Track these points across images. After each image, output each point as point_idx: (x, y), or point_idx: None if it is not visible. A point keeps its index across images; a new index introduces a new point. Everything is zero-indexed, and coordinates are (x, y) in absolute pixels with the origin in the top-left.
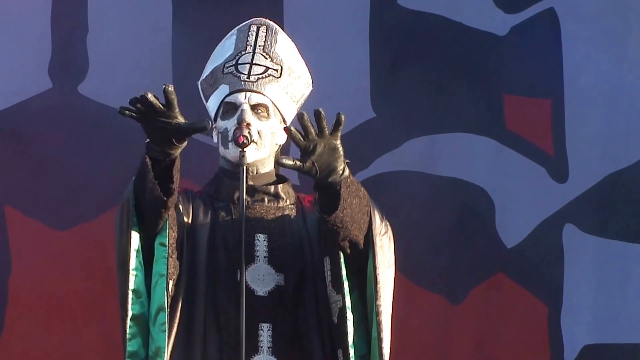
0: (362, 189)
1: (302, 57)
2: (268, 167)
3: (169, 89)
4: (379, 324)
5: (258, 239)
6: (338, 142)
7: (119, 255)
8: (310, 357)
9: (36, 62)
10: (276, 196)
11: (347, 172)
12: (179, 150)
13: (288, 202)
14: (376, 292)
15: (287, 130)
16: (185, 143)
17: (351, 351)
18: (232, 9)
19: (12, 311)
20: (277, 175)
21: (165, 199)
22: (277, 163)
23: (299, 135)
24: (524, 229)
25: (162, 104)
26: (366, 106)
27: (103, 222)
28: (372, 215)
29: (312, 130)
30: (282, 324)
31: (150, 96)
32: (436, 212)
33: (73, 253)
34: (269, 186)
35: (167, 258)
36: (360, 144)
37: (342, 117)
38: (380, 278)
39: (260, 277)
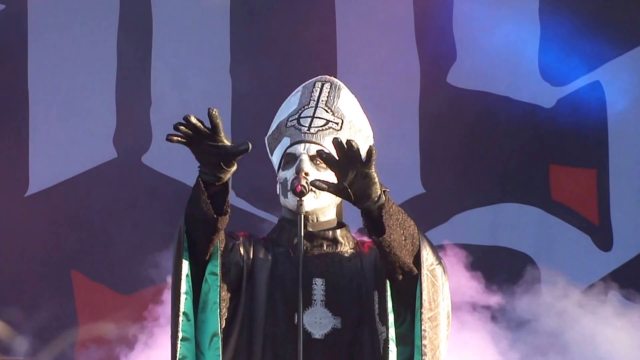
0: (409, 220)
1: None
2: (328, 215)
3: (214, 112)
4: (422, 347)
5: (315, 283)
6: (371, 171)
7: (172, 280)
8: None
9: (102, 132)
10: (334, 241)
11: (383, 199)
12: (228, 174)
13: (347, 247)
14: (421, 314)
15: (320, 153)
16: (235, 167)
17: None
18: None
19: None
20: (338, 222)
21: (216, 217)
22: (311, 184)
23: (334, 160)
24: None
25: (207, 128)
26: (416, 182)
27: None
28: (421, 245)
29: (347, 159)
30: None
31: (193, 118)
32: (485, 280)
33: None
34: (327, 232)
35: (219, 287)
36: None
37: (374, 150)
38: (426, 304)
39: (317, 320)
